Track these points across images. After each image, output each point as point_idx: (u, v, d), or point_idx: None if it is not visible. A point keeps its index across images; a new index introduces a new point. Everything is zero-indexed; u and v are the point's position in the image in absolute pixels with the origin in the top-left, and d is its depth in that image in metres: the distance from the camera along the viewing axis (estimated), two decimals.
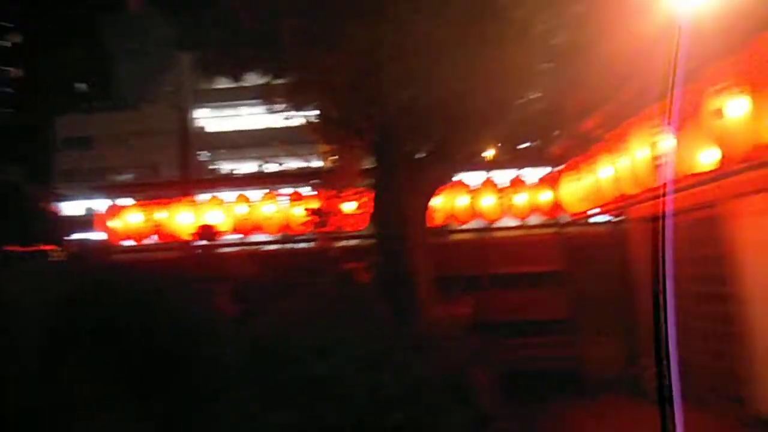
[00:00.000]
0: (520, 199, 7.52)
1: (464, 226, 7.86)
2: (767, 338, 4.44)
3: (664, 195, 5.17)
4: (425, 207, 5.68)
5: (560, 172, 7.01)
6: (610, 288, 7.06)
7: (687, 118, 3.98)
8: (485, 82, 4.24)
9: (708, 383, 5.43)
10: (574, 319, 7.31)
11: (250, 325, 4.99)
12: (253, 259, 6.56)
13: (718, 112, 3.58)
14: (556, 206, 7.30)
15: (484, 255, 7.66)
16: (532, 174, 7.69)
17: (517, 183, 7.51)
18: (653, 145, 4.51)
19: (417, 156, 5.25)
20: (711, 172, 4.11)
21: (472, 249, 7.80)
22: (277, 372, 4.55)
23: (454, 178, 7.66)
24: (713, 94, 3.60)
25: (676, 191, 4.91)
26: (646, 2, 4.14)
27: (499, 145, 5.39)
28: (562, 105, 5.24)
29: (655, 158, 4.53)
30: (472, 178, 7.78)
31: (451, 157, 5.13)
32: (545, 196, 7.41)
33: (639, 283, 6.63)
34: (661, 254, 6.10)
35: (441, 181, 5.66)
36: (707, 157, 4.00)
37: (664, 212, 5.87)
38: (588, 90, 5.10)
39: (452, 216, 7.69)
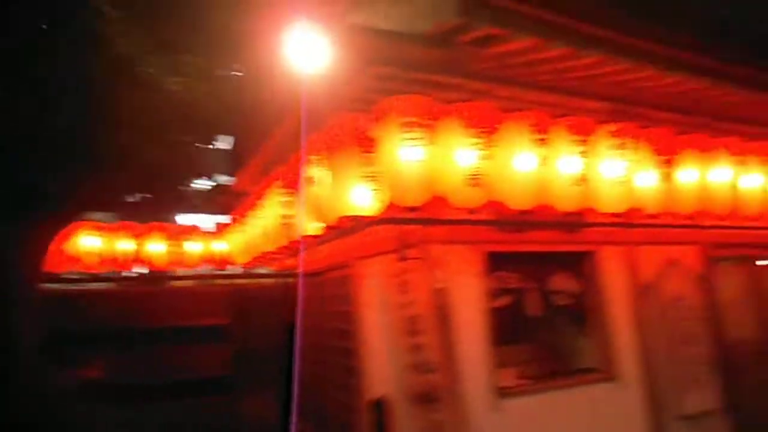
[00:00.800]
0: (190, 248, 7.16)
1: (124, 274, 7.13)
2: (374, 392, 4.79)
3: (296, 253, 5.44)
4: (42, 251, 4.85)
5: (228, 223, 6.90)
6: (274, 342, 7.12)
7: (302, 182, 4.18)
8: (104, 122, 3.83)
9: None
10: (236, 375, 7.13)
11: None
12: None
13: (313, 180, 3.80)
14: (225, 257, 7.15)
15: (142, 307, 7.01)
16: (207, 222, 7.48)
17: (186, 231, 7.15)
18: (280, 205, 4.64)
19: (29, 192, 4.46)
20: (319, 236, 4.36)
21: (127, 300, 7.07)
22: None
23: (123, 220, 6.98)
24: (310, 164, 3.82)
25: (307, 250, 5.14)
26: (278, 72, 4.33)
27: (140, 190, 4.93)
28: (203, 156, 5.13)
29: (283, 217, 4.67)
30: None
31: (72, 197, 4.50)
32: (215, 246, 7.21)
33: (295, 338, 6.83)
34: (298, 310, 6.31)
35: (61, 223, 4.93)
36: (315, 222, 4.22)
37: (303, 270, 6.18)
38: (237, 145, 5.11)
39: (110, 262, 6.88)
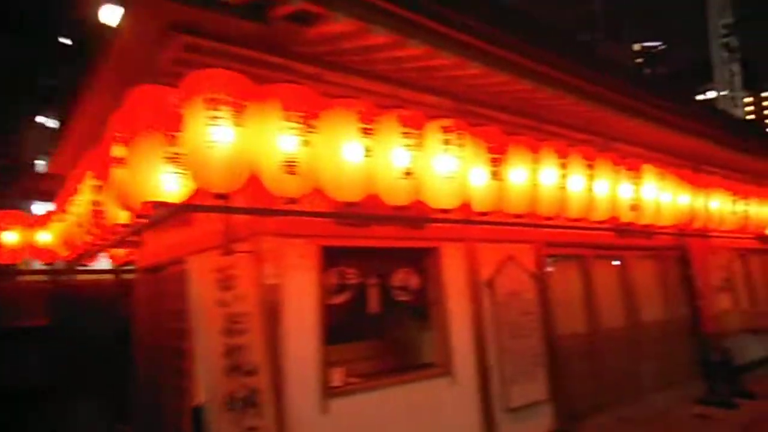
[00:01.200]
0: (6, 239, 6.23)
1: None
2: (200, 396, 4.42)
3: (121, 245, 4.90)
4: None
5: (52, 211, 6.10)
6: (103, 344, 6.42)
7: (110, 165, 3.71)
8: None
9: None
10: (59, 381, 6.33)
11: None
12: None
13: (119, 163, 3.36)
14: (49, 249, 6.31)
15: None
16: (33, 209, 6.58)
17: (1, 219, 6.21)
18: (92, 191, 4.11)
19: None
20: (132, 225, 3.92)
21: None
22: None
23: None
24: (116, 143, 3.38)
25: (139, 242, 4.61)
26: None
27: None
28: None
29: (94, 205, 4.14)
30: None
31: None
32: (38, 237, 6.34)
33: (133, 339, 6.23)
34: (132, 308, 5.72)
35: None
36: (123, 210, 3.77)
37: (139, 265, 5.61)
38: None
39: None
